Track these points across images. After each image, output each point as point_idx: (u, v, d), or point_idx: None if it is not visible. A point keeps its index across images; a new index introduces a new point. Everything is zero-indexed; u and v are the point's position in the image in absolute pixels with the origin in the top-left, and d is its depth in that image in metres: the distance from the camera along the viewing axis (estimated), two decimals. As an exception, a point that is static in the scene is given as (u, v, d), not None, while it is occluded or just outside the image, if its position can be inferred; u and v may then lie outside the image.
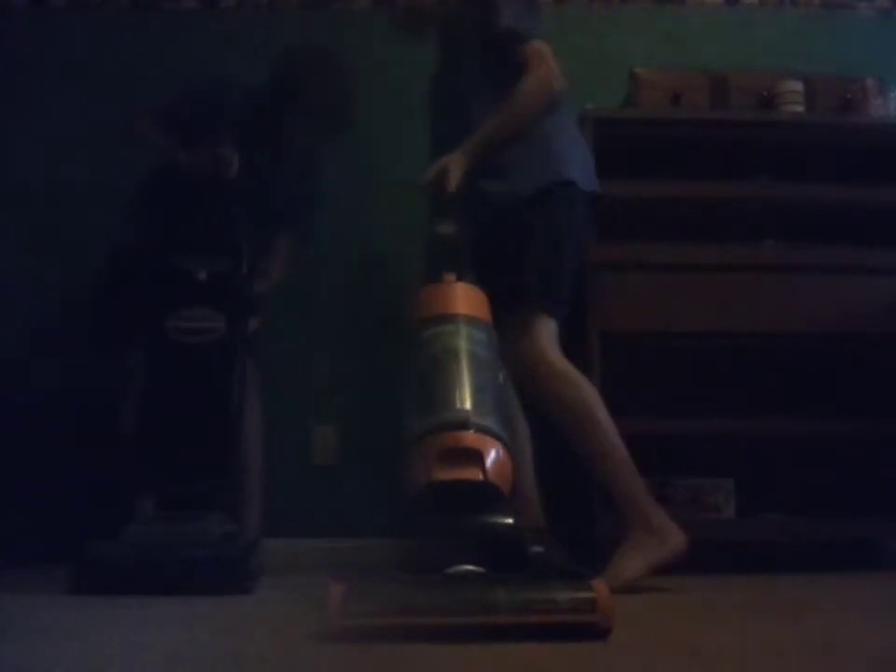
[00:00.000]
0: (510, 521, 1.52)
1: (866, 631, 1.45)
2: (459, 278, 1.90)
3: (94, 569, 1.92)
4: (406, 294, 1.99)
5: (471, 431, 1.61)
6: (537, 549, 1.53)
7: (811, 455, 2.67)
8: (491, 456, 1.59)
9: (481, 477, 1.56)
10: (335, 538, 2.75)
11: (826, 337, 2.63)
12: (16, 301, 2.82)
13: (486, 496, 1.55)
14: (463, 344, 1.74)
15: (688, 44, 3.13)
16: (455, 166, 2.07)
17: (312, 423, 2.93)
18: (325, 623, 1.27)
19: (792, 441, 2.64)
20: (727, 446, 2.59)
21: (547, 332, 2.13)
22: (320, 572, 1.95)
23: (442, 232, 2.02)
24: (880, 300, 2.62)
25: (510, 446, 1.67)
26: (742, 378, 2.75)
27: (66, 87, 2.97)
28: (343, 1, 3.18)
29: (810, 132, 2.72)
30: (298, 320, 2.86)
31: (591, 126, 2.60)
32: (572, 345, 2.27)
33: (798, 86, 2.74)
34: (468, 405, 1.64)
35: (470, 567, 1.41)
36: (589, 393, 2.11)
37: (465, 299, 1.86)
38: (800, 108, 2.73)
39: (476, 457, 1.58)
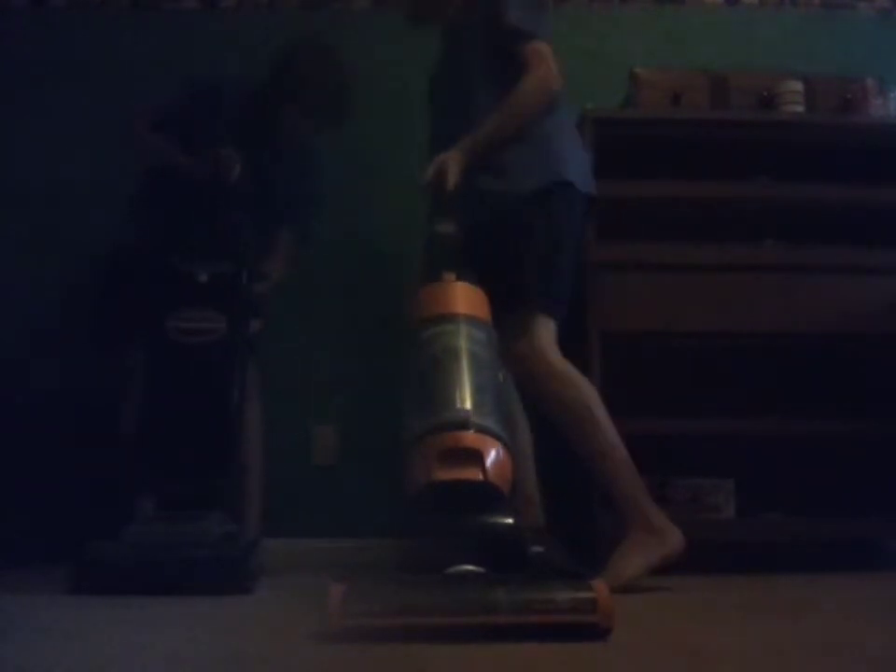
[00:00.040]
0: (509, 521, 1.52)
1: (866, 631, 1.45)
2: (459, 277, 1.90)
3: (94, 569, 1.92)
4: (406, 294, 1.99)
5: (471, 431, 1.61)
6: (537, 549, 1.53)
7: (811, 455, 2.67)
8: (491, 456, 1.59)
9: (481, 477, 1.56)
10: (335, 538, 2.75)
11: (826, 337, 2.63)
12: (16, 301, 2.82)
13: (486, 496, 1.55)
14: (463, 344, 1.74)
15: (688, 44, 3.13)
16: (453, 164, 2.07)
17: (312, 423, 2.93)
18: (325, 624, 1.27)
19: (792, 441, 2.64)
20: (727, 446, 2.59)
21: (546, 332, 2.13)
22: (320, 572, 1.95)
23: (442, 231, 2.02)
24: (880, 300, 2.62)
25: (510, 446, 1.67)
26: (742, 378, 2.75)
27: (66, 87, 2.97)
28: (343, 1, 3.18)
29: (810, 132, 2.72)
30: (298, 320, 2.86)
31: (591, 126, 2.60)
32: (572, 345, 2.27)
33: (798, 86, 2.74)
34: (468, 405, 1.64)
35: (470, 568, 1.41)
36: (589, 393, 2.11)
37: (465, 298, 1.86)
38: (800, 108, 2.73)
39: (476, 457, 1.58)
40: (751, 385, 2.74)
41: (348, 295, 2.96)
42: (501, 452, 1.62)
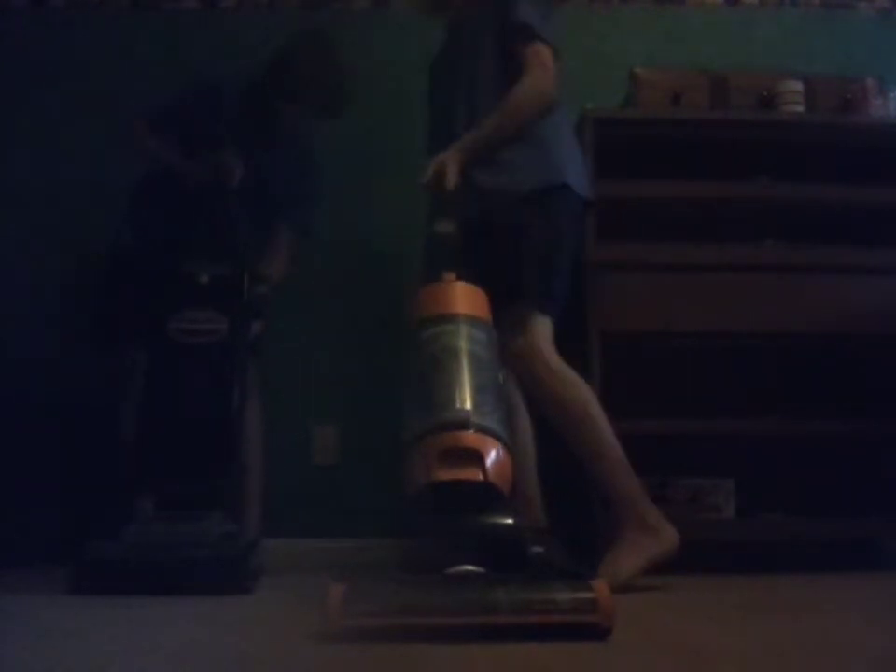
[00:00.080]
0: (509, 521, 1.52)
1: (866, 631, 1.45)
2: (459, 277, 1.90)
3: (94, 569, 1.92)
4: (406, 294, 1.99)
5: (471, 431, 1.61)
6: (537, 549, 1.53)
7: (811, 455, 2.67)
8: (491, 456, 1.59)
9: (481, 477, 1.56)
10: (335, 538, 2.75)
11: (826, 337, 2.63)
12: (16, 301, 2.82)
13: (486, 496, 1.55)
14: (463, 344, 1.74)
15: (688, 44, 3.13)
16: (452, 164, 2.08)
17: (312, 423, 2.93)
18: (325, 623, 1.27)
19: (792, 441, 2.64)
20: (727, 446, 2.59)
21: (544, 331, 2.14)
22: (320, 572, 1.95)
23: (441, 231, 2.02)
24: (880, 300, 2.62)
25: (510, 446, 1.67)
26: (742, 378, 2.75)
27: (66, 87, 2.97)
28: (343, 1, 3.18)
29: (810, 132, 2.72)
30: (298, 320, 2.86)
31: (591, 126, 2.60)
32: (572, 345, 2.27)
33: (798, 86, 2.73)
34: (468, 405, 1.64)
35: (471, 568, 1.41)
36: (586, 393, 2.12)
37: (465, 298, 1.86)
38: (800, 108, 2.73)
39: (476, 457, 1.58)
40: (751, 385, 2.74)
41: (348, 295, 2.96)
42: (501, 452, 1.62)
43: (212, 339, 2.24)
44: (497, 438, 1.63)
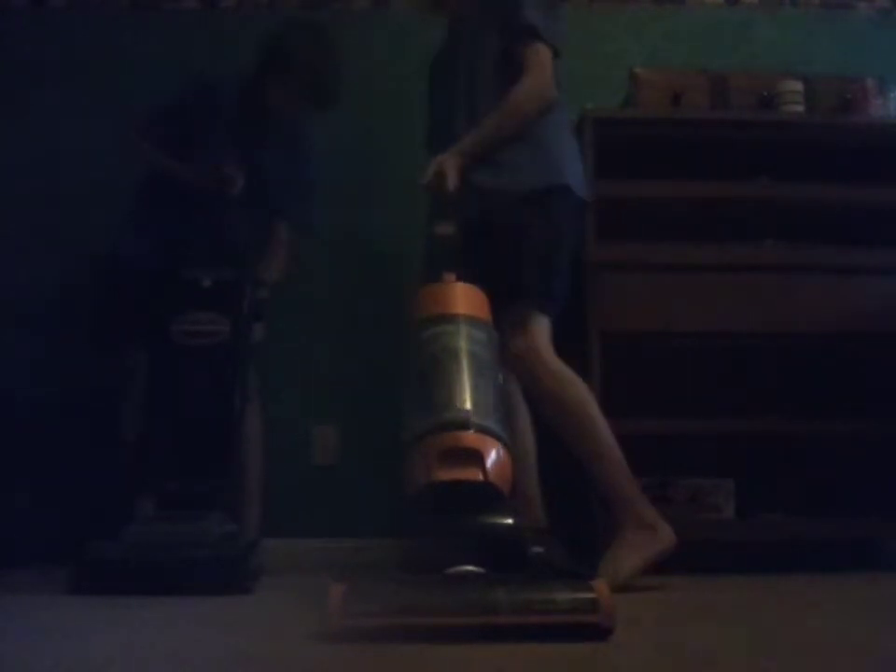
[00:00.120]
0: (509, 521, 1.52)
1: (866, 631, 1.45)
2: (459, 278, 1.90)
3: (94, 569, 1.92)
4: (406, 294, 1.99)
5: (472, 431, 1.61)
6: (537, 549, 1.53)
7: (811, 455, 2.67)
8: (491, 457, 1.59)
9: (481, 477, 1.56)
10: (335, 538, 2.75)
11: (826, 337, 2.63)
12: (16, 302, 2.82)
13: (486, 496, 1.55)
14: (463, 344, 1.74)
15: (688, 44, 3.13)
16: (451, 166, 2.08)
17: (312, 423, 2.93)
18: (325, 623, 1.27)
19: (792, 441, 2.64)
20: (727, 446, 2.59)
21: (543, 331, 2.14)
22: (320, 572, 1.95)
23: (441, 232, 2.03)
24: (880, 300, 2.62)
25: (510, 446, 1.67)
26: (742, 378, 2.75)
27: (66, 87, 2.97)
28: (343, 1, 3.18)
29: (810, 132, 2.72)
30: (298, 320, 2.86)
31: (591, 126, 2.60)
32: (572, 345, 2.27)
33: (798, 86, 2.73)
34: (468, 405, 1.64)
35: (471, 568, 1.41)
36: (584, 393, 2.12)
37: (465, 299, 1.86)
38: (800, 108, 2.73)
39: (476, 457, 1.58)
40: (751, 385, 2.74)
41: (348, 295, 2.96)
42: (501, 452, 1.62)
43: (214, 340, 2.25)
44: (497, 438, 1.63)
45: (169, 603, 1.77)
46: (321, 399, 2.93)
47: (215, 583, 1.88)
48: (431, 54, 2.44)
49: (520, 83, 2.14)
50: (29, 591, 1.95)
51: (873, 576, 2.40)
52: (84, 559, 1.93)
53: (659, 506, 2.13)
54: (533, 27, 2.16)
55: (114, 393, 2.46)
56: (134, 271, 2.44)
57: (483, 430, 1.62)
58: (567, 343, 2.20)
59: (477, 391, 1.67)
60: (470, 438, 1.60)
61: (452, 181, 2.08)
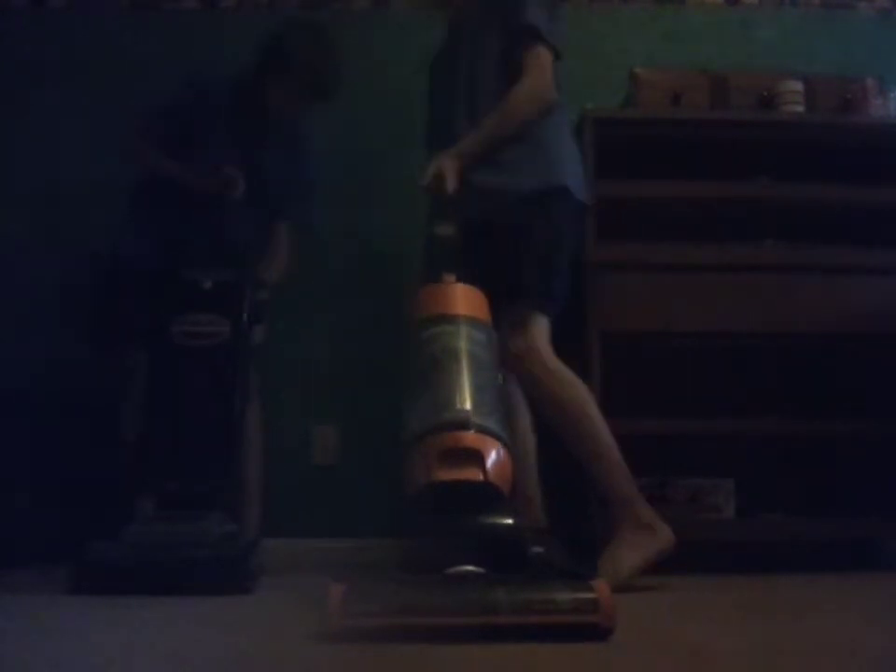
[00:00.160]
0: (509, 521, 1.52)
1: (866, 631, 1.45)
2: (459, 278, 1.90)
3: (94, 569, 1.92)
4: (406, 294, 2.00)
5: (472, 431, 1.61)
6: (537, 549, 1.53)
7: (811, 455, 2.67)
8: (491, 457, 1.59)
9: (481, 477, 1.56)
10: (335, 538, 2.75)
11: (826, 337, 2.63)
12: (16, 301, 2.82)
13: (486, 496, 1.55)
14: (463, 345, 1.74)
15: (688, 44, 3.13)
16: (451, 168, 2.09)
17: (312, 423, 2.93)
18: (325, 623, 1.27)
19: (792, 441, 2.64)
20: (727, 446, 2.59)
21: (542, 331, 2.14)
22: (320, 572, 1.95)
23: (441, 234, 2.04)
24: (880, 300, 2.62)
25: (510, 446, 1.67)
26: (742, 378, 2.75)
27: (66, 87, 2.97)
28: (343, 1, 3.18)
29: (810, 132, 2.72)
30: (298, 320, 2.86)
31: (591, 126, 2.60)
32: (572, 345, 2.27)
33: (798, 86, 2.73)
34: (468, 405, 1.64)
35: (471, 568, 1.41)
36: (583, 393, 2.13)
37: (465, 299, 1.86)
38: (800, 108, 2.73)
39: (476, 457, 1.58)
40: (751, 385, 2.74)
41: (348, 295, 2.96)
42: (502, 452, 1.62)
43: (214, 342, 2.25)
44: (497, 438, 1.63)
45: (169, 603, 1.77)
46: (321, 399, 2.93)
47: (215, 583, 1.88)
48: (431, 54, 2.44)
49: (519, 84, 2.14)
50: (29, 591, 1.95)
51: (873, 576, 2.40)
52: (84, 559, 1.93)
53: (659, 506, 2.13)
54: (535, 28, 2.16)
55: (114, 393, 2.45)
56: (134, 271, 2.44)
57: (483, 430, 1.62)
58: (566, 343, 2.20)
59: (477, 391, 1.68)
60: (470, 438, 1.61)
61: (451, 183, 2.08)
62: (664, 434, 2.51)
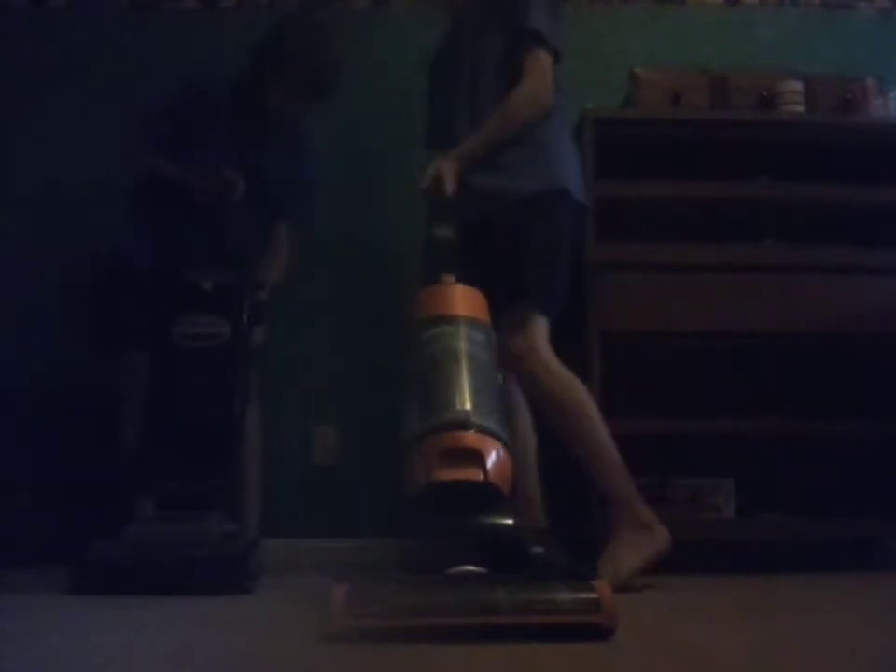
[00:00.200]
0: (509, 521, 1.52)
1: (866, 631, 1.45)
2: (458, 280, 1.91)
3: (94, 569, 1.92)
4: (406, 294, 2.00)
5: (472, 431, 1.61)
6: (537, 549, 1.53)
7: (811, 455, 2.67)
8: (492, 457, 1.60)
9: (481, 477, 1.57)
10: (335, 538, 2.75)
11: (826, 337, 2.63)
12: (16, 301, 2.82)
13: (487, 496, 1.55)
14: (463, 346, 1.74)
15: (688, 44, 3.12)
16: (449, 171, 2.10)
17: (312, 423, 2.93)
18: (328, 624, 1.27)
19: (792, 441, 2.64)
20: (727, 446, 2.59)
21: (542, 331, 2.15)
22: (320, 572, 1.95)
23: (440, 235, 2.05)
24: (880, 300, 2.62)
25: (510, 447, 1.67)
26: (742, 378, 2.75)
27: (66, 87, 2.97)
28: (343, 1, 3.18)
29: (810, 132, 2.72)
30: (297, 321, 2.86)
31: (591, 126, 2.60)
32: (572, 345, 2.27)
33: (798, 86, 2.73)
34: (468, 406, 1.64)
35: (471, 568, 1.41)
36: (583, 394, 2.13)
37: (465, 300, 1.87)
38: (800, 108, 2.73)
39: (477, 457, 1.58)
40: (751, 385, 2.74)
41: (348, 295, 2.96)
42: (502, 452, 1.62)
43: (214, 343, 2.26)
44: (498, 438, 1.64)
45: (169, 603, 1.77)
46: (321, 399, 2.93)
47: (215, 583, 1.88)
48: (431, 54, 2.44)
49: (518, 88, 2.15)
50: (29, 591, 1.95)
51: (873, 576, 2.40)
52: (84, 559, 1.93)
53: (659, 506, 2.13)
54: (538, 32, 2.16)
55: (114, 393, 2.45)
56: (134, 271, 2.44)
57: (483, 430, 1.62)
58: (566, 343, 2.20)
59: (477, 392, 1.68)
60: (471, 438, 1.61)
61: (450, 185, 2.10)
62: (664, 434, 2.51)
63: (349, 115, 2.91)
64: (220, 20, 3.14)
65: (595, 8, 3.18)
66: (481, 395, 1.68)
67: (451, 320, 1.79)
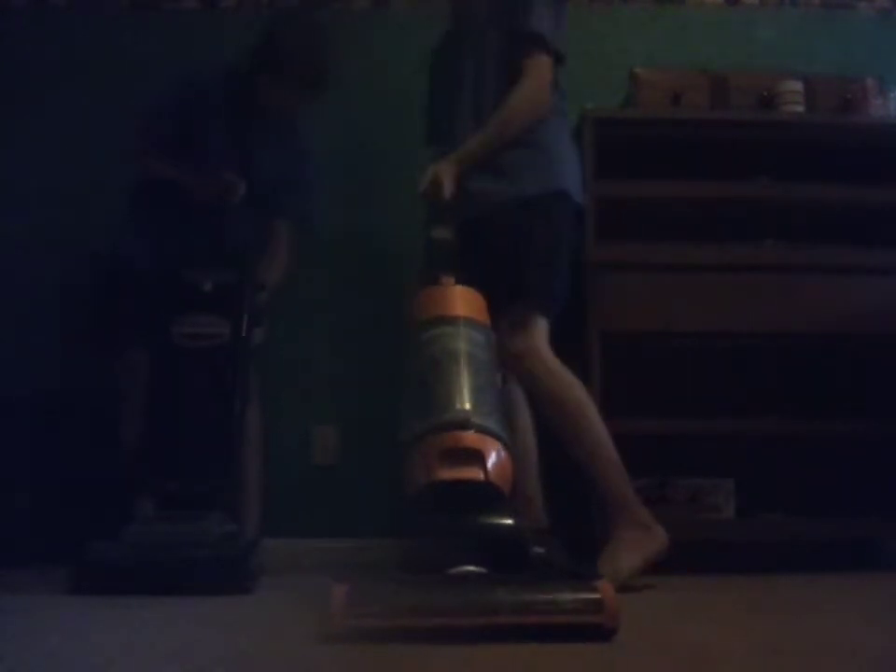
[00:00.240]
0: (510, 521, 1.52)
1: (866, 631, 1.45)
2: (457, 281, 1.91)
3: (94, 569, 1.92)
4: (406, 294, 2.00)
5: (472, 431, 1.61)
6: (538, 549, 1.53)
7: (811, 455, 2.67)
8: (492, 457, 1.60)
9: (482, 477, 1.57)
10: (335, 538, 2.75)
11: (826, 337, 2.63)
12: (16, 301, 2.82)
13: (487, 496, 1.55)
14: (462, 346, 1.75)
15: (688, 44, 3.12)
16: (447, 174, 2.11)
17: (312, 423, 2.93)
18: (329, 625, 1.27)
19: (792, 441, 2.64)
20: (727, 446, 2.59)
21: (542, 332, 2.15)
22: (320, 572, 1.95)
23: (438, 237, 2.06)
24: (880, 300, 2.62)
25: (510, 447, 1.67)
26: (742, 378, 2.75)
27: (66, 87, 2.97)
28: (343, 1, 3.18)
29: (810, 132, 2.72)
30: (297, 320, 2.86)
31: (591, 126, 2.60)
32: (572, 345, 2.27)
33: (798, 86, 2.73)
34: (467, 406, 1.64)
35: (472, 568, 1.41)
36: (583, 395, 2.13)
37: (464, 301, 1.87)
38: (800, 108, 2.73)
39: (477, 457, 1.58)
40: (751, 385, 2.74)
41: (348, 295, 2.96)
42: (502, 452, 1.63)
43: (214, 343, 2.26)
44: (498, 438, 1.64)
45: (169, 603, 1.77)
46: (321, 399, 2.93)
47: (215, 583, 1.88)
48: (431, 54, 2.44)
49: (515, 91, 2.15)
50: (29, 591, 1.95)
51: (873, 576, 2.40)
52: (84, 559, 1.93)
53: (659, 506, 2.13)
54: (540, 36, 2.16)
55: (114, 393, 2.45)
56: (134, 271, 2.44)
57: (483, 430, 1.62)
58: (566, 344, 2.20)
59: (476, 392, 1.68)
60: (471, 437, 1.61)
61: (448, 189, 2.10)
62: (664, 434, 2.51)
63: (349, 115, 2.91)
64: (220, 20, 3.14)
65: (594, 8, 3.18)
66: (480, 395, 1.68)
67: (450, 321, 1.79)
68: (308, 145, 2.67)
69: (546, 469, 2.26)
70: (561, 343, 2.17)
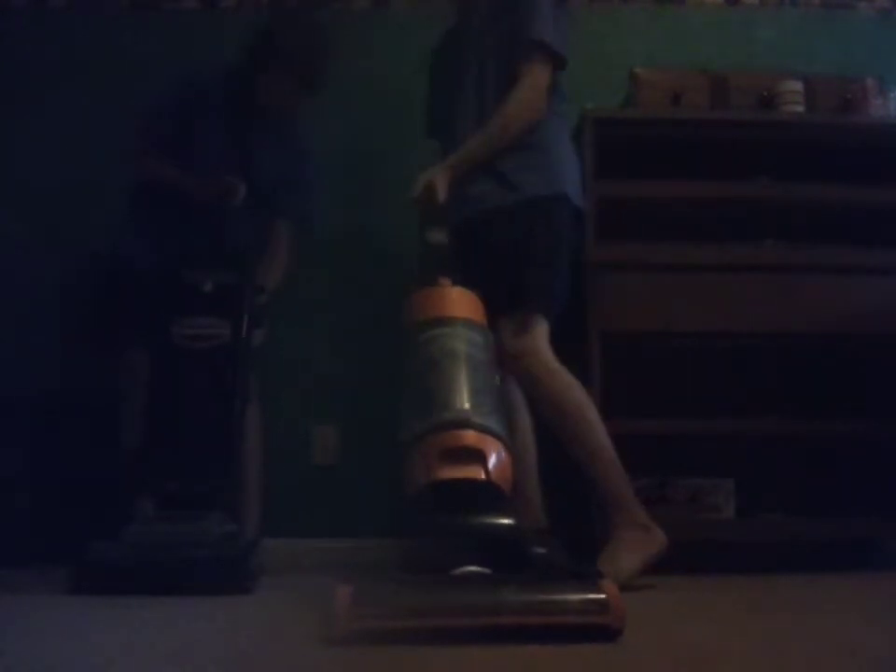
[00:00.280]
0: (510, 521, 1.52)
1: (866, 631, 1.45)
2: (455, 282, 1.91)
3: (94, 569, 1.92)
4: (405, 294, 2.00)
5: (472, 431, 1.61)
6: (538, 550, 1.52)
7: (811, 455, 2.67)
8: (493, 456, 1.60)
9: (482, 476, 1.57)
10: (335, 538, 2.75)
11: (826, 337, 2.63)
12: (16, 301, 2.82)
13: (487, 495, 1.55)
14: (461, 347, 1.75)
15: (688, 44, 3.12)
16: (441, 181, 2.11)
17: (312, 423, 2.93)
18: (333, 626, 1.26)
19: (792, 441, 2.64)
20: (727, 446, 2.59)
21: (543, 333, 2.15)
22: (320, 572, 1.95)
23: (434, 241, 2.07)
24: (880, 300, 2.62)
25: (510, 447, 1.67)
26: (742, 378, 2.75)
27: (66, 87, 2.97)
28: (343, 1, 3.18)
29: (810, 132, 2.72)
30: (297, 320, 2.86)
31: (591, 126, 2.60)
32: (572, 346, 2.27)
33: (798, 86, 2.73)
34: (467, 406, 1.65)
35: (476, 568, 1.41)
36: (582, 395, 2.13)
37: (462, 302, 1.87)
38: (800, 108, 2.73)
39: (478, 457, 1.58)
40: (751, 385, 2.74)
41: (348, 295, 2.96)
42: (502, 452, 1.63)
43: (214, 343, 2.26)
44: (498, 438, 1.64)
45: (169, 603, 1.77)
46: (321, 399, 2.93)
47: (215, 583, 1.89)
48: (431, 54, 2.44)
49: (511, 95, 2.15)
50: (29, 591, 1.95)
51: (873, 576, 2.40)
52: (84, 559, 1.93)
53: (659, 506, 2.13)
54: (542, 43, 2.16)
55: (114, 393, 2.45)
56: (134, 271, 2.44)
57: (483, 430, 1.62)
58: (566, 344, 2.20)
59: (476, 392, 1.68)
60: (472, 437, 1.61)
61: (442, 194, 2.11)
62: (664, 434, 2.51)
63: (349, 115, 2.91)
64: (220, 20, 3.14)
65: (594, 8, 3.18)
66: (480, 395, 1.68)
67: (448, 322, 1.80)
68: (308, 145, 2.67)
69: (546, 469, 2.26)
70: (561, 343, 2.17)
